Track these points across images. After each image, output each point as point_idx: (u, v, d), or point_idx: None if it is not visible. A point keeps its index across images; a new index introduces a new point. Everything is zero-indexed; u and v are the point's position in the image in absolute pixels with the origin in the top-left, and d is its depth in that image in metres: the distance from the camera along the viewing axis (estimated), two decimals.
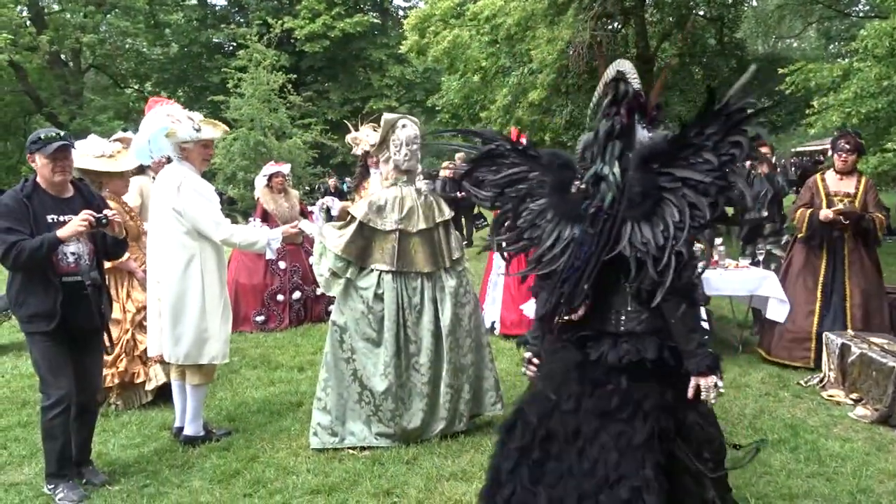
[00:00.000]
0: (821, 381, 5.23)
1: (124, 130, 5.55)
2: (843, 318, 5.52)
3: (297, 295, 7.51)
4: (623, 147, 2.51)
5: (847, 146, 5.55)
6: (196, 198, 4.12)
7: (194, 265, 4.16)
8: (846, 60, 9.61)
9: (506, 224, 2.73)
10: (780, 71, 10.20)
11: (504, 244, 2.73)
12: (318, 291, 7.52)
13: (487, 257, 7.34)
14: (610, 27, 13.83)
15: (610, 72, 2.63)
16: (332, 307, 7.67)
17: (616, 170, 2.48)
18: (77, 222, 3.46)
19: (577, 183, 2.63)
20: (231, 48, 33.01)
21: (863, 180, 5.66)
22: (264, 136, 20.30)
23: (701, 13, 17.60)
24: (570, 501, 2.49)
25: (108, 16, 29.01)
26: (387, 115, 4.45)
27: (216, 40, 34.19)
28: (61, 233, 3.45)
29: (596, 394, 2.58)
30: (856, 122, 8.14)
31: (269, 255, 4.48)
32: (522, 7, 13.01)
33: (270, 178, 7.59)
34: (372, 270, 4.22)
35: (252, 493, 3.63)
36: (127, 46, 31.78)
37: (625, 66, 2.61)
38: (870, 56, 8.04)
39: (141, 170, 5.40)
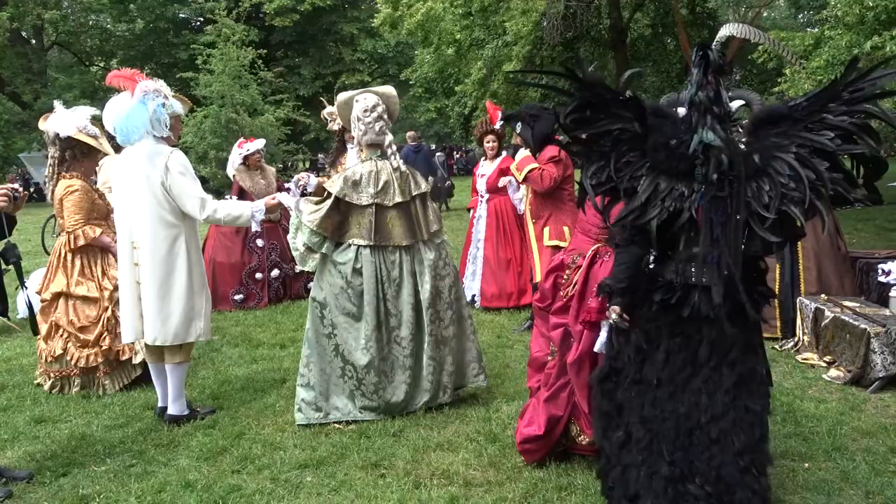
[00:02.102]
0: (795, 345, 5.35)
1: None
2: (797, 280, 5.61)
3: (275, 273, 7.47)
4: (720, 111, 2.62)
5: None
6: (183, 176, 4.10)
7: (180, 243, 4.14)
8: (817, 29, 9.67)
9: (598, 170, 2.73)
10: (752, 41, 10.23)
11: (594, 188, 2.73)
12: (297, 269, 7.49)
13: (466, 231, 7.35)
14: None
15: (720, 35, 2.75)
16: (311, 284, 7.69)
17: (721, 134, 2.59)
18: None
19: (674, 142, 2.67)
20: (198, 23, 32.37)
21: None
22: (236, 114, 20.02)
23: None
24: (668, 439, 2.79)
25: None
26: (341, 97, 4.43)
27: (183, 15, 33.45)
28: None
29: (687, 345, 2.78)
30: (826, 83, 8.22)
31: (255, 228, 4.44)
32: None
33: (247, 158, 7.50)
34: (350, 245, 4.21)
35: (240, 469, 3.64)
36: (91, 23, 31.02)
37: (731, 29, 2.71)
38: (840, 24, 8.11)
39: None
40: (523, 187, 6.25)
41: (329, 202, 4.14)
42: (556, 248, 5.78)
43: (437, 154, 18.08)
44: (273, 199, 4.44)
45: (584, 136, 2.70)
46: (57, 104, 4.90)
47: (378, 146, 4.31)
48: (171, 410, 4.30)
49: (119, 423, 4.30)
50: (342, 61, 31.29)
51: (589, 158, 2.74)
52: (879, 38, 7.27)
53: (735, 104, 2.88)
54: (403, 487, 3.39)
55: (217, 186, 18.90)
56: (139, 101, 4.05)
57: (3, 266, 3.67)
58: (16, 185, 3.50)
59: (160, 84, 4.18)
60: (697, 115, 2.63)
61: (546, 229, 5.87)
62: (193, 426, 4.21)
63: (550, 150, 5.64)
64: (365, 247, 4.19)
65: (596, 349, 3.25)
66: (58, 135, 4.74)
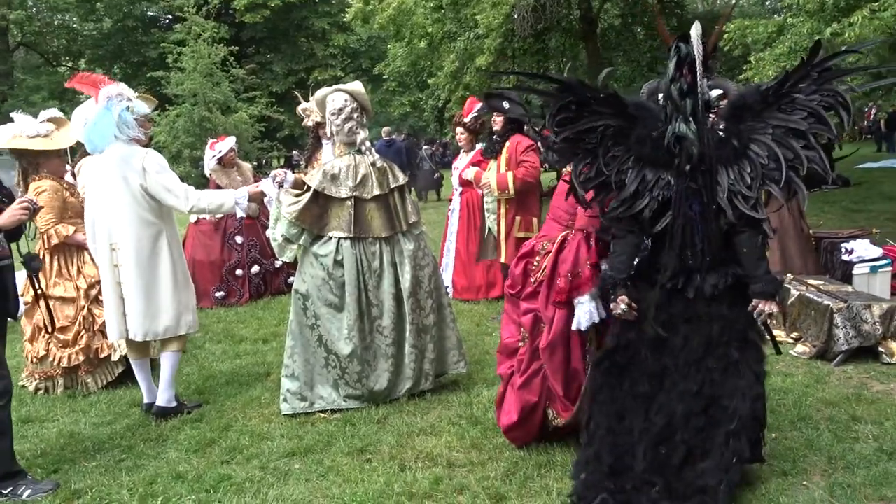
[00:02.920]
0: None
1: (63, 113, 5.44)
2: None
3: (255, 269, 7.53)
4: (693, 104, 2.77)
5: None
6: (163, 173, 4.18)
7: (162, 240, 4.23)
8: (781, 16, 9.89)
9: (586, 167, 2.87)
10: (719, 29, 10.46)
11: (583, 184, 2.88)
12: (277, 264, 7.61)
13: (444, 224, 7.45)
14: None
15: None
16: (291, 279, 7.77)
17: (693, 127, 2.74)
18: (17, 209, 3.39)
19: (656, 133, 2.82)
20: (167, 21, 32.04)
21: None
22: (209, 112, 19.93)
23: None
24: (680, 420, 2.96)
25: None
26: (317, 94, 4.52)
27: (151, 13, 33.08)
28: (2, 220, 3.36)
29: (699, 325, 2.96)
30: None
31: (240, 214, 4.52)
32: None
33: (221, 157, 7.54)
34: (330, 238, 4.30)
35: (229, 459, 3.74)
36: (57, 22, 30.59)
37: (696, 31, 2.84)
38: (802, 11, 8.31)
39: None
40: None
41: (308, 195, 4.23)
42: (525, 240, 5.92)
43: (424, 147, 18.32)
44: (257, 187, 4.51)
45: (570, 135, 2.82)
46: (14, 115, 4.88)
47: (352, 144, 4.40)
48: (160, 402, 4.36)
49: (106, 421, 4.37)
50: (314, 56, 31.17)
51: (576, 155, 2.87)
52: (839, 25, 7.47)
53: (714, 93, 3.03)
54: (389, 471, 3.51)
55: (192, 185, 18.82)
56: (104, 108, 4.11)
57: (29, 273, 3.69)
58: (32, 198, 3.53)
59: (122, 87, 4.24)
60: (671, 107, 2.78)
61: (517, 219, 6.00)
62: (181, 420, 4.29)
63: (525, 139, 5.78)
64: (345, 239, 4.29)
65: (574, 327, 3.33)
66: (12, 150, 4.76)
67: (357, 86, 4.52)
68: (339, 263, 4.27)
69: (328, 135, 4.52)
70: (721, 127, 2.93)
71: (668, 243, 2.89)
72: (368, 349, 4.33)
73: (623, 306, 3.04)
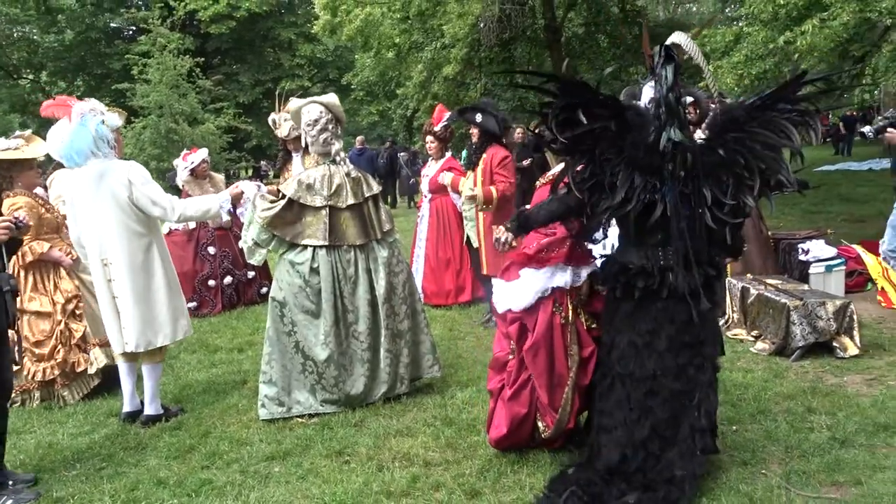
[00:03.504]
0: (725, 322, 5.74)
1: (22, 127, 5.43)
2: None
3: (228, 279, 7.58)
4: (683, 111, 2.96)
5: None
6: (148, 185, 4.28)
7: (153, 250, 4.34)
8: (737, 25, 10.22)
9: (583, 168, 2.98)
10: None
11: (578, 185, 3.00)
12: (250, 275, 7.68)
13: (412, 231, 7.57)
14: (518, 0, 14.15)
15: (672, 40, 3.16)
16: (264, 290, 7.83)
17: (685, 133, 2.92)
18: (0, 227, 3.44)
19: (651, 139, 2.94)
20: (131, 32, 31.75)
21: None
22: (175, 123, 19.81)
23: None
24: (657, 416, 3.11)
25: None
26: (291, 106, 4.62)
27: (114, 25, 32.74)
28: None
29: (683, 329, 3.09)
30: (748, 83, 8.75)
31: (224, 218, 4.63)
32: None
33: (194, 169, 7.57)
34: (306, 247, 4.40)
35: (209, 464, 3.80)
36: (17, 35, 30.12)
37: (680, 38, 3.03)
38: (757, 20, 8.63)
39: (61, 164, 5.40)
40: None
41: (283, 202, 4.33)
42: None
43: (401, 154, 18.59)
44: (236, 187, 4.59)
45: (570, 136, 2.92)
46: None
47: (327, 155, 4.51)
48: (148, 411, 4.45)
49: (84, 431, 4.40)
50: (281, 67, 31.14)
51: (573, 157, 3.00)
52: (791, 34, 7.79)
53: (686, 100, 3.19)
54: (368, 471, 3.61)
55: None
56: (79, 125, 4.16)
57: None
58: (18, 215, 3.56)
59: (93, 102, 4.30)
60: (666, 114, 2.91)
61: (495, 228, 6.13)
62: (159, 428, 4.35)
63: (500, 151, 5.94)
64: (321, 247, 4.39)
65: (499, 309, 3.52)
66: None
67: (332, 98, 4.63)
68: (315, 271, 4.37)
69: (302, 145, 4.61)
70: (706, 136, 3.10)
71: (663, 244, 3.03)
72: (345, 354, 4.43)
73: (506, 237, 3.33)
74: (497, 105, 6.74)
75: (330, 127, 4.49)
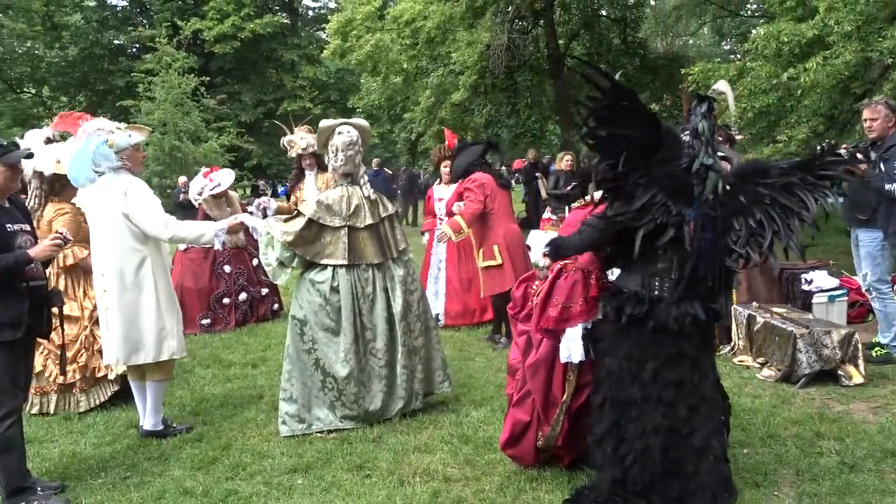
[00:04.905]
0: (731, 349, 5.86)
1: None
2: (730, 292, 6.18)
3: (243, 296, 7.68)
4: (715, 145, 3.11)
5: (720, 139, 6.22)
6: (143, 201, 4.31)
7: (146, 267, 4.34)
8: (740, 60, 10.48)
9: (607, 168, 3.04)
10: (683, 71, 11.00)
11: (599, 183, 3.12)
12: (263, 292, 7.79)
13: (425, 252, 7.68)
14: (523, 30, 14.45)
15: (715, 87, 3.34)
16: (276, 306, 7.90)
17: (718, 160, 3.05)
18: (49, 243, 3.56)
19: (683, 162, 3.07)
20: (135, 50, 32.03)
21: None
22: (179, 141, 19.99)
23: (605, 13, 18.54)
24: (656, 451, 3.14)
25: (2, 17, 27.62)
26: (322, 124, 4.76)
27: (118, 42, 33.03)
28: (34, 253, 3.51)
29: (670, 364, 3.13)
30: (751, 117, 8.97)
31: (217, 246, 4.66)
32: (441, 11, 13.47)
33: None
34: (326, 266, 4.51)
35: (233, 476, 3.87)
36: (21, 50, 30.32)
37: (722, 86, 3.28)
38: (760, 56, 8.86)
39: None
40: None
41: (303, 220, 4.44)
42: (491, 269, 6.20)
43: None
44: (235, 219, 4.67)
45: (604, 133, 3.01)
46: (31, 138, 5.04)
47: (352, 175, 4.64)
48: (146, 426, 4.50)
49: (106, 441, 4.47)
50: (283, 87, 31.44)
51: (602, 154, 3.07)
52: (794, 70, 8.02)
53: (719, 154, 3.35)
54: (389, 485, 3.70)
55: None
56: (82, 145, 4.30)
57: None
58: (63, 231, 3.67)
59: (102, 122, 4.42)
60: (699, 142, 3.06)
61: (481, 251, 6.31)
62: (181, 439, 4.42)
63: (480, 177, 6.20)
64: (341, 266, 4.50)
65: (563, 359, 3.50)
66: (42, 172, 4.90)
67: (364, 123, 4.80)
68: (335, 290, 4.48)
69: (328, 164, 4.72)
70: (731, 181, 3.16)
71: (662, 274, 3.13)
72: (363, 371, 4.52)
73: (543, 262, 3.45)
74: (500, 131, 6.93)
75: (360, 150, 4.64)
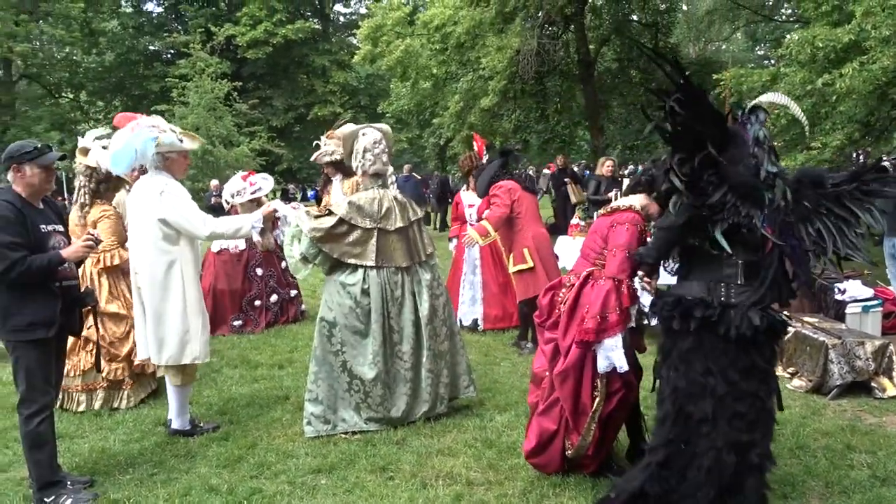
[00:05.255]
0: None
1: (61, 144, 5.67)
2: None
3: (273, 298, 7.79)
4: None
5: None
6: (180, 202, 4.37)
7: (175, 269, 4.39)
8: (773, 66, 10.35)
9: (681, 162, 2.99)
10: (715, 76, 10.89)
11: (680, 175, 3.00)
12: (293, 293, 7.88)
13: (453, 258, 7.68)
14: (553, 35, 14.42)
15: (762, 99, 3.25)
16: (304, 307, 7.96)
17: (782, 169, 3.04)
18: (82, 244, 3.64)
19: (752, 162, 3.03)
20: (169, 56, 32.60)
21: None
22: (212, 145, 20.27)
23: (636, 18, 18.44)
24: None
25: (42, 23, 28.31)
26: (345, 130, 4.79)
27: (153, 48, 33.66)
28: (66, 253, 3.59)
29: (745, 377, 3.02)
30: (784, 123, 8.84)
31: (255, 238, 4.61)
32: (471, 16, 13.52)
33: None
34: (357, 268, 4.52)
35: (258, 474, 3.91)
36: (60, 56, 31.04)
37: (773, 97, 3.28)
38: (794, 62, 8.74)
39: None
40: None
41: (333, 220, 4.46)
42: (523, 272, 6.19)
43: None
44: (268, 207, 4.69)
45: (678, 125, 2.94)
46: (90, 137, 5.15)
47: (381, 175, 4.67)
48: (174, 425, 4.57)
49: (135, 438, 4.54)
50: (314, 93, 31.77)
51: (676, 147, 3.01)
52: (829, 76, 7.89)
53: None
54: (412, 487, 3.70)
55: None
56: (131, 136, 4.34)
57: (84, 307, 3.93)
58: (94, 232, 3.76)
59: (156, 120, 4.49)
60: (762, 150, 3.02)
61: (511, 256, 6.30)
62: (207, 438, 4.47)
63: (500, 185, 6.25)
64: (371, 268, 4.52)
65: (602, 370, 3.46)
66: (96, 168, 5.01)
67: (385, 127, 4.83)
68: (365, 292, 4.49)
69: (355, 168, 4.75)
70: (794, 187, 3.06)
71: (728, 280, 3.03)
72: (389, 373, 4.53)
73: (638, 283, 3.34)
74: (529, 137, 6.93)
75: (387, 150, 4.66)
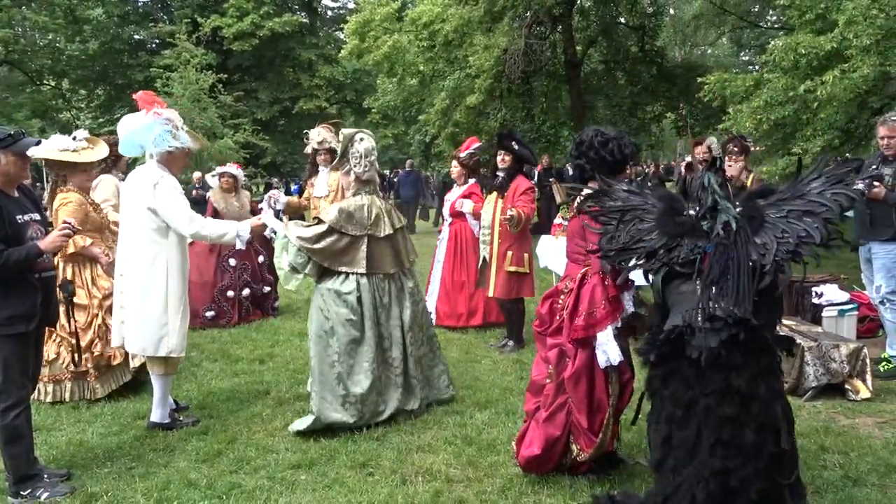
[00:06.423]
0: None
1: (41, 133, 5.64)
2: None
3: (246, 292, 7.75)
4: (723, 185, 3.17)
5: (735, 149, 6.21)
6: (171, 195, 4.36)
7: (160, 261, 4.38)
8: (757, 71, 10.46)
9: (614, 239, 3.18)
10: (699, 80, 10.99)
11: (611, 254, 3.20)
12: (266, 289, 7.87)
13: (432, 255, 7.70)
14: (541, 35, 14.47)
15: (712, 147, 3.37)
16: (277, 303, 7.98)
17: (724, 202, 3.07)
18: (58, 234, 3.57)
19: (689, 212, 3.13)
20: (154, 46, 32.27)
21: (751, 177, 6.31)
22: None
23: (623, 21, 18.53)
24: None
25: (24, 9, 27.90)
26: (345, 130, 4.79)
27: (138, 37, 33.28)
28: (44, 245, 3.52)
29: (722, 401, 2.85)
30: (766, 128, 8.94)
31: (239, 246, 4.61)
32: (459, 15, 13.54)
33: (220, 176, 7.83)
34: (349, 276, 4.50)
35: (237, 469, 3.91)
36: (42, 42, 30.59)
37: (712, 141, 3.27)
38: (777, 68, 8.83)
39: (107, 168, 5.62)
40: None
41: (322, 228, 4.44)
42: (515, 274, 6.22)
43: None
44: (258, 220, 4.71)
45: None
46: (54, 136, 5.12)
47: (372, 182, 4.68)
48: (153, 418, 4.56)
49: (113, 431, 4.52)
50: (300, 86, 31.52)
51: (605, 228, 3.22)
52: (811, 83, 7.99)
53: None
54: (391, 483, 3.72)
55: None
56: (149, 121, 4.34)
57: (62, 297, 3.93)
58: (71, 221, 3.69)
59: (174, 114, 4.48)
60: (706, 192, 3.08)
61: (509, 254, 6.31)
62: (187, 432, 4.46)
63: (525, 181, 6.17)
64: (362, 275, 4.51)
65: (602, 365, 3.49)
66: (43, 160, 4.97)
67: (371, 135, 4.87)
68: (360, 300, 4.49)
69: (354, 169, 4.70)
70: (743, 204, 3.12)
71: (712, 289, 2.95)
72: (381, 380, 4.55)
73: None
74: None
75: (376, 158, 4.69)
